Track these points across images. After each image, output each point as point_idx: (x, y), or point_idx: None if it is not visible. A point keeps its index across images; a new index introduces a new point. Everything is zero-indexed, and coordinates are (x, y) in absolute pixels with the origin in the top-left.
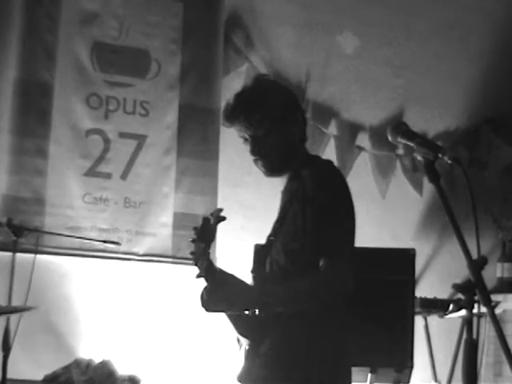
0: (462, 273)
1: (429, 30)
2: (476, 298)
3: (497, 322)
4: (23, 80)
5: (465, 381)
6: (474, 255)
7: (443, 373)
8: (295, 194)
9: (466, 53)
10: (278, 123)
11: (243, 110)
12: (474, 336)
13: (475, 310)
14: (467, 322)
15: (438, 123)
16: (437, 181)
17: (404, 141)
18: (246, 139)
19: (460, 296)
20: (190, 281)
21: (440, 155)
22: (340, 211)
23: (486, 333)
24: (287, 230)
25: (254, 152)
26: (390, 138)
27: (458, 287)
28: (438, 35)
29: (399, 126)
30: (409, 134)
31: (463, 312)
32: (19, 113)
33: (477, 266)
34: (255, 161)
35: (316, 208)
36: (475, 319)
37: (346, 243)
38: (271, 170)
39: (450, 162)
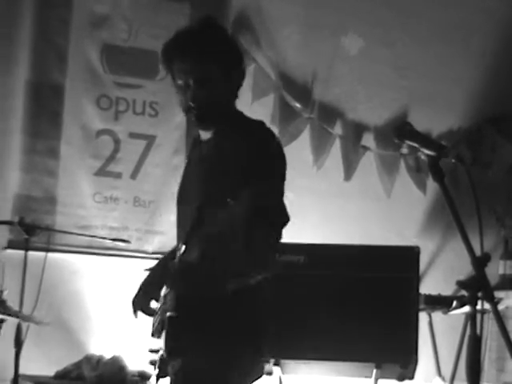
0: (465, 270)
1: (432, 32)
2: (479, 294)
3: (500, 318)
4: (35, 82)
5: (469, 376)
6: (478, 253)
7: (447, 368)
8: (228, 155)
9: (468, 53)
10: (225, 73)
11: (196, 49)
12: (478, 332)
13: (479, 307)
14: (471, 318)
15: (441, 123)
16: (441, 180)
17: (408, 141)
18: (185, 85)
19: (463, 293)
20: None
21: (444, 154)
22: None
23: (489, 329)
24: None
25: (194, 99)
26: (394, 137)
27: (461, 284)
28: (440, 36)
29: (404, 125)
30: (413, 133)
31: (467, 308)
32: (31, 114)
33: (480, 263)
34: (188, 110)
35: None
36: (479, 315)
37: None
38: (204, 121)
39: (453, 161)
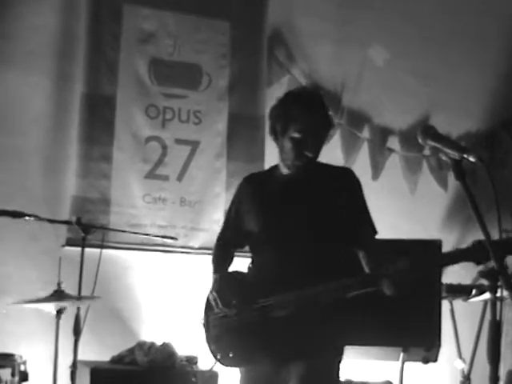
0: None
1: (449, 43)
2: (499, 283)
3: None
4: (89, 94)
5: (490, 357)
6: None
7: (467, 351)
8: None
9: (482, 61)
10: (329, 128)
11: (319, 109)
12: (497, 317)
13: (498, 294)
14: (492, 305)
15: (459, 126)
16: (463, 179)
17: (433, 143)
18: (302, 137)
19: (482, 282)
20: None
21: (465, 155)
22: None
23: (506, 315)
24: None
25: (311, 149)
26: (419, 139)
27: (483, 274)
28: (458, 46)
29: (428, 129)
30: (437, 136)
31: (485, 296)
32: (86, 123)
33: (500, 253)
34: (301, 157)
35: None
36: (498, 302)
37: None
38: (311, 165)
39: (474, 161)
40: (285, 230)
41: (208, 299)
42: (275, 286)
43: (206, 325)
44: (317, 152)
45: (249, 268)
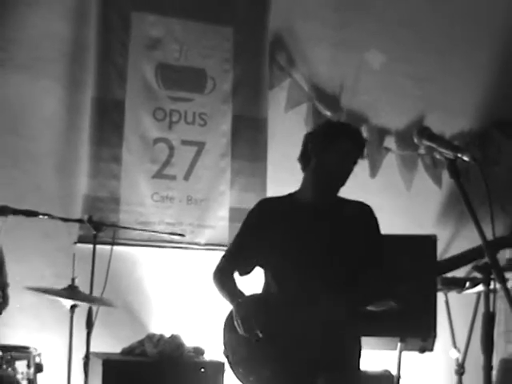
0: None
1: (443, 47)
2: (492, 276)
3: (509, 296)
4: (99, 98)
5: (484, 347)
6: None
7: (461, 341)
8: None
9: (475, 65)
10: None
11: (361, 140)
12: (491, 309)
13: (491, 287)
14: (485, 297)
15: (453, 126)
16: (457, 177)
17: (428, 142)
18: (342, 163)
19: (475, 275)
20: None
21: (459, 155)
22: None
23: (497, 306)
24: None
25: (347, 174)
26: (415, 140)
27: (477, 268)
28: (452, 50)
29: (424, 129)
30: (432, 136)
31: (478, 288)
32: (97, 126)
33: (492, 249)
34: (331, 188)
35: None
36: (491, 295)
37: None
38: (334, 197)
39: (468, 160)
40: (309, 258)
41: (226, 322)
42: (300, 309)
43: (230, 348)
44: (347, 178)
45: (264, 291)
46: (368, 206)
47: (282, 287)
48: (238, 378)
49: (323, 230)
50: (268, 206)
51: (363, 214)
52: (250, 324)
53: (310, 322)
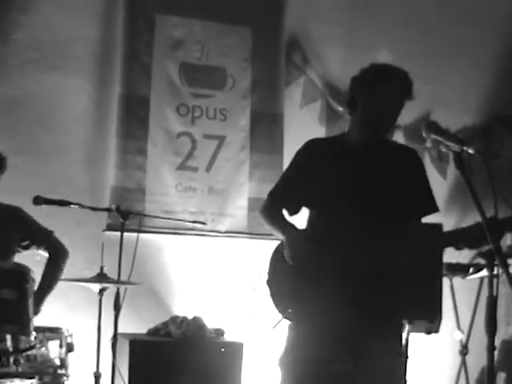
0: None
1: (448, 47)
2: (495, 262)
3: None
4: (126, 95)
5: (487, 330)
6: None
7: (465, 323)
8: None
9: (478, 64)
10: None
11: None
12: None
13: (494, 272)
14: (489, 281)
15: (457, 121)
16: (463, 169)
17: (435, 136)
18: (387, 105)
19: (478, 261)
20: (261, 251)
21: (465, 148)
22: None
23: (498, 290)
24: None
25: (392, 116)
26: (423, 133)
27: (482, 254)
28: (456, 50)
29: (431, 124)
30: (440, 130)
31: (481, 274)
32: (123, 121)
33: (497, 236)
34: (380, 129)
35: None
36: (494, 280)
37: None
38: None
39: (473, 153)
40: (360, 201)
41: (274, 254)
42: (347, 253)
43: (275, 280)
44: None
45: (311, 226)
46: (414, 150)
47: (329, 228)
48: (277, 309)
49: (374, 173)
50: (316, 146)
51: (413, 157)
52: (299, 253)
53: (357, 267)
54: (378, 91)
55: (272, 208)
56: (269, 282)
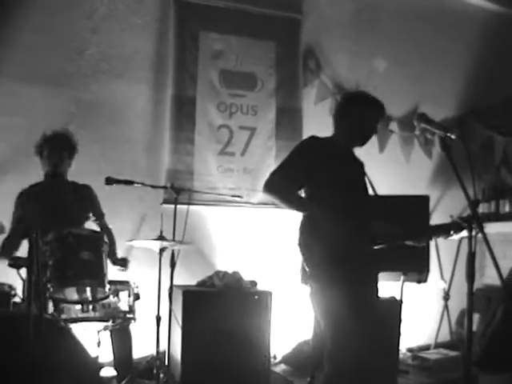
0: (457, 210)
1: (432, 55)
2: (473, 225)
3: (486, 239)
4: (177, 95)
5: (468, 279)
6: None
7: (447, 274)
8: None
9: (457, 68)
10: None
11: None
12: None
13: (473, 233)
14: (468, 240)
15: (440, 113)
16: (447, 150)
17: (424, 125)
18: (376, 125)
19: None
20: (284, 219)
21: (449, 134)
22: None
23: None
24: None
25: (371, 136)
26: (415, 122)
27: (462, 219)
28: (438, 57)
29: (422, 115)
30: (428, 120)
31: (460, 235)
32: (175, 116)
33: (474, 204)
34: (363, 142)
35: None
36: (473, 239)
37: None
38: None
39: (454, 138)
40: (356, 190)
41: (301, 226)
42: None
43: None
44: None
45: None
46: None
47: (345, 204)
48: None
49: (358, 170)
50: (318, 143)
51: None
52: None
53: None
54: (371, 113)
55: (287, 189)
56: (301, 250)
